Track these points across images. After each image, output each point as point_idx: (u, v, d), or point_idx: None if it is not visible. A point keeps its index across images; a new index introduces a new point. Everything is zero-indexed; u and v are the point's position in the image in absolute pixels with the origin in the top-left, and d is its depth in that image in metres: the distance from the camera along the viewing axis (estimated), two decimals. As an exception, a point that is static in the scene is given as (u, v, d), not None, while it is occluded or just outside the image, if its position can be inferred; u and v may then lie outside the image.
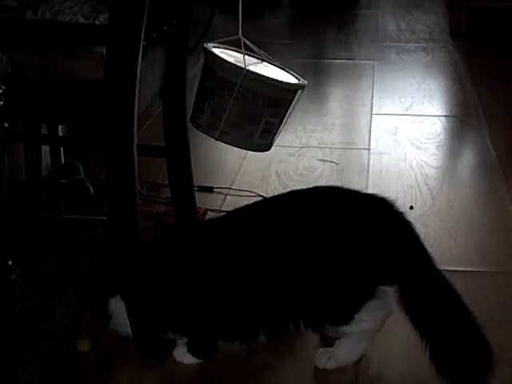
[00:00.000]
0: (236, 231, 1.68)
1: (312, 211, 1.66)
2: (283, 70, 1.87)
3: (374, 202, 1.69)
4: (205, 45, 1.81)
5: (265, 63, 1.86)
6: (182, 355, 1.74)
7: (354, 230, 1.64)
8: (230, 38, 1.84)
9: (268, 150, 1.83)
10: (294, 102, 1.79)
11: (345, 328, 1.68)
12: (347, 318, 1.67)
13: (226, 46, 1.82)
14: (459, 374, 1.60)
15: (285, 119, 1.81)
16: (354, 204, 1.68)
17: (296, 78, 1.84)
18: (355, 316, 1.66)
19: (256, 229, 1.66)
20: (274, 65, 1.88)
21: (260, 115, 1.75)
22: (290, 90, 1.77)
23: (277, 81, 1.74)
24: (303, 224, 1.64)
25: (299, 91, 1.80)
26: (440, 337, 1.61)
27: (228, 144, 1.81)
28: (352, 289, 1.65)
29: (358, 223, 1.65)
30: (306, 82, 1.82)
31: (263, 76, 1.73)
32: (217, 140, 1.79)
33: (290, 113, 1.80)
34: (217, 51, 1.77)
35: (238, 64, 1.73)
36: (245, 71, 1.72)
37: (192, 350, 1.73)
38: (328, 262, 1.62)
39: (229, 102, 1.74)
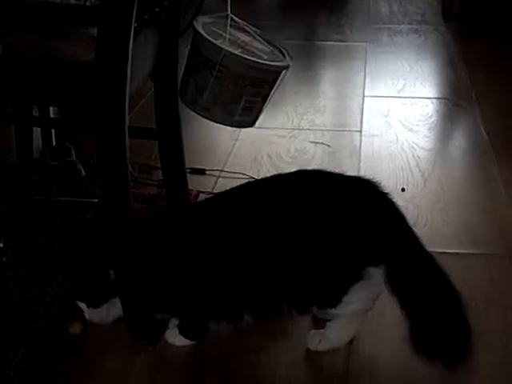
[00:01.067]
0: (224, 213, 1.67)
1: (297, 194, 1.66)
2: (274, 47, 1.88)
3: (358, 184, 1.69)
4: (194, 20, 1.81)
5: (256, 41, 1.86)
6: (174, 337, 1.75)
7: (338, 212, 1.63)
8: (219, 14, 1.84)
9: (250, 126, 1.86)
10: (277, 82, 1.80)
11: (333, 310, 1.68)
12: (335, 301, 1.67)
13: (227, 22, 1.82)
14: (435, 353, 1.61)
15: (268, 98, 1.82)
16: (338, 186, 1.67)
17: (284, 56, 1.85)
18: (343, 299, 1.66)
19: (242, 211, 1.66)
20: (266, 42, 1.89)
21: (240, 94, 1.76)
22: (270, 71, 1.78)
23: (256, 62, 1.75)
24: (289, 207, 1.64)
25: (283, 71, 1.81)
26: (421, 315, 1.61)
27: (209, 120, 1.83)
28: (338, 271, 1.65)
29: (343, 205, 1.64)
30: (289, 63, 1.82)
31: (242, 56, 1.73)
32: (199, 115, 1.81)
33: (274, 92, 1.82)
34: (208, 27, 1.78)
35: (218, 43, 1.74)
36: (224, 50, 1.72)
37: (184, 332, 1.74)
38: (313, 244, 1.62)
39: (210, 79, 1.75)
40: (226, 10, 1.82)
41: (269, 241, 1.62)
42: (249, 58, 1.74)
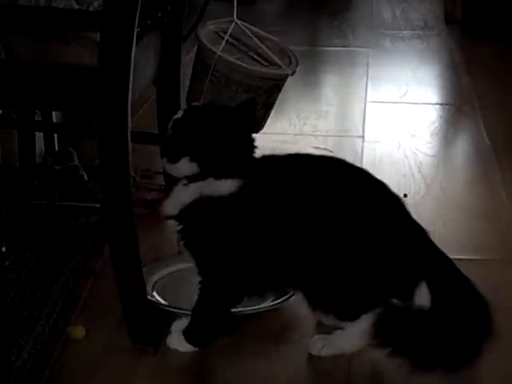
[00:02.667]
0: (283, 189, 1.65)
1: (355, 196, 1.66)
2: (284, 53, 1.85)
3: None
4: (200, 27, 1.81)
5: (264, 46, 1.84)
6: (178, 343, 1.74)
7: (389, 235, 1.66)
8: (226, 19, 1.84)
9: (255, 133, 1.83)
10: (276, 90, 1.78)
11: (348, 323, 1.68)
12: (353, 316, 1.67)
13: (229, 27, 1.81)
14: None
15: (269, 106, 1.80)
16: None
17: (290, 62, 1.83)
18: (362, 316, 1.65)
19: (301, 195, 1.64)
20: (277, 47, 1.86)
21: (234, 100, 1.75)
22: (265, 79, 1.75)
23: (249, 68, 1.72)
24: (347, 207, 1.63)
25: (284, 79, 1.79)
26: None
27: None
28: (368, 290, 1.65)
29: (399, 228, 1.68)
30: (287, 72, 1.79)
31: (235, 62, 1.72)
32: None
33: (275, 99, 1.79)
34: (213, 33, 1.77)
35: (214, 47, 1.73)
36: (217, 55, 1.71)
37: (189, 338, 1.73)
38: (358, 254, 1.63)
39: (205, 83, 1.75)
40: (232, 16, 1.81)
41: (316, 229, 1.62)
42: (241, 64, 1.72)
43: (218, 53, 1.71)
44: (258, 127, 1.84)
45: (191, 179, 1.66)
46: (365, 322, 1.64)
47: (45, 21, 1.70)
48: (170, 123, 1.68)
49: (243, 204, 1.64)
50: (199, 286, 1.72)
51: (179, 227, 1.70)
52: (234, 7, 1.81)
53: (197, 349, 1.73)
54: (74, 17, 1.70)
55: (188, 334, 1.72)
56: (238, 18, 1.83)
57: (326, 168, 1.69)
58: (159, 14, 1.83)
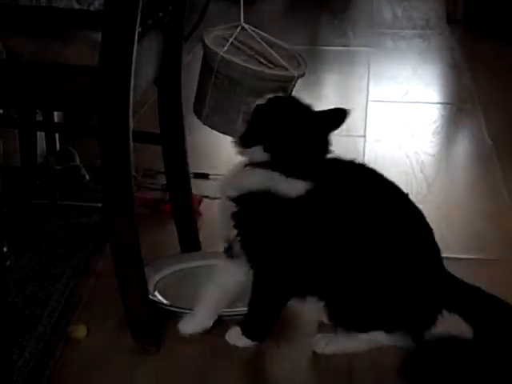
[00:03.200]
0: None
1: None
2: (292, 56, 1.83)
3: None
4: (205, 31, 1.80)
5: (272, 50, 1.82)
6: (236, 338, 1.74)
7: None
8: (232, 24, 1.83)
9: None
10: (283, 93, 1.75)
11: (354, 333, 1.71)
12: (362, 329, 1.69)
13: (235, 31, 1.80)
14: None
15: None
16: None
17: (299, 65, 1.80)
18: (370, 332, 1.69)
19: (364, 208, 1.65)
20: (285, 51, 1.85)
21: (239, 103, 1.73)
22: (269, 80, 1.73)
23: (251, 69, 1.71)
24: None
25: (291, 82, 1.77)
26: None
27: (213, 129, 1.81)
28: (387, 306, 1.67)
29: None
30: (294, 74, 1.76)
31: (237, 63, 1.70)
32: (204, 124, 1.79)
33: None
34: (219, 38, 1.76)
35: (217, 49, 1.72)
36: (219, 56, 1.70)
37: (246, 332, 1.73)
38: (387, 271, 1.65)
39: (209, 86, 1.74)
40: (237, 18, 1.80)
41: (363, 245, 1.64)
42: (244, 64, 1.71)
43: (221, 53, 1.71)
44: None
45: (259, 166, 1.64)
46: (377, 334, 1.68)
47: (46, 20, 1.70)
48: (253, 107, 1.65)
49: (307, 211, 1.63)
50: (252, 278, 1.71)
51: (234, 209, 1.68)
52: (238, 8, 1.80)
53: (255, 343, 1.73)
54: (75, 16, 1.70)
55: (245, 329, 1.73)
56: (238, 18, 1.82)
57: (380, 189, 1.69)
58: (160, 14, 1.83)
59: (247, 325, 1.74)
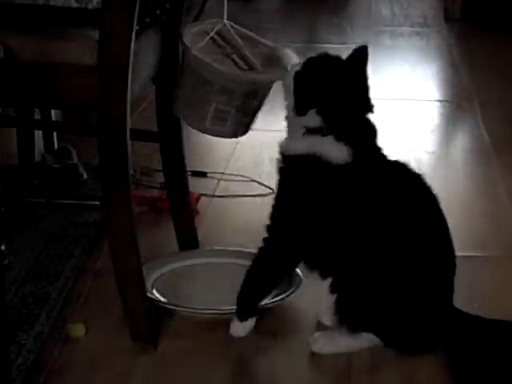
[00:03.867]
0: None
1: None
2: (274, 59, 1.81)
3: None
4: (188, 26, 1.78)
5: (255, 49, 1.80)
6: (232, 327, 1.73)
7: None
8: (217, 19, 1.81)
9: (232, 137, 1.78)
10: (259, 95, 1.73)
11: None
12: (361, 329, 1.69)
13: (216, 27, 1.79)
14: None
15: (249, 111, 1.74)
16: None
17: (284, 67, 1.76)
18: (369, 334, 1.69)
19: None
20: (270, 51, 1.83)
21: (209, 101, 1.71)
22: (240, 82, 1.69)
23: (220, 70, 1.69)
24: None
25: (266, 85, 1.73)
26: None
27: (184, 121, 1.79)
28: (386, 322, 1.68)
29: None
30: (267, 78, 1.73)
31: (207, 63, 1.68)
32: (175, 115, 1.78)
33: (258, 105, 1.74)
34: (201, 34, 1.75)
35: (191, 46, 1.70)
36: (191, 54, 1.69)
37: (238, 308, 1.72)
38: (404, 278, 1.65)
39: (184, 79, 1.73)
40: (230, 14, 1.79)
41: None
42: (213, 64, 1.68)
43: (193, 52, 1.69)
44: (237, 132, 1.80)
45: (312, 132, 1.64)
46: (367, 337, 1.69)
47: (44, 19, 1.70)
48: (291, 72, 1.66)
49: (347, 180, 1.64)
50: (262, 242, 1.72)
51: (281, 166, 1.70)
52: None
53: (243, 325, 1.72)
54: (73, 15, 1.70)
55: (237, 304, 1.71)
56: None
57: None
58: (158, 12, 1.83)
59: (240, 297, 1.71)
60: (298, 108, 1.65)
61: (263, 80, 1.71)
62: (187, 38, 1.73)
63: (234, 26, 1.80)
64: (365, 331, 1.69)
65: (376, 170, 1.68)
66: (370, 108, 1.70)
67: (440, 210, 1.71)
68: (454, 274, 1.70)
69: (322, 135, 1.64)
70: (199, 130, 1.76)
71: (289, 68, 1.68)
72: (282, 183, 1.71)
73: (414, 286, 1.66)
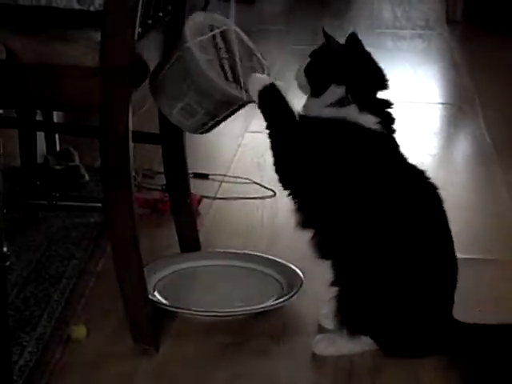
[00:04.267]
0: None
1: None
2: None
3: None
4: (198, 13, 1.77)
5: (238, 63, 1.78)
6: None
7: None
8: (225, 19, 1.80)
9: (191, 132, 1.80)
10: (226, 108, 1.73)
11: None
12: (361, 333, 1.69)
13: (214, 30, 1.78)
14: None
15: (214, 118, 1.74)
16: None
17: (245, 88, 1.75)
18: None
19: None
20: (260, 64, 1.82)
21: (184, 94, 1.71)
22: (217, 91, 1.68)
23: (204, 72, 1.68)
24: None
25: (238, 103, 1.73)
26: None
27: (154, 100, 1.78)
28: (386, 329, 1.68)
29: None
30: (243, 97, 1.72)
31: (197, 60, 1.67)
32: (149, 90, 1.76)
33: (228, 115, 1.75)
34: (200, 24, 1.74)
35: (188, 36, 1.69)
36: (185, 45, 1.67)
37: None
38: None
39: (169, 63, 1.71)
40: (238, 19, 1.78)
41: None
42: (201, 65, 1.67)
43: (186, 44, 1.67)
44: (197, 129, 1.77)
45: (338, 104, 1.66)
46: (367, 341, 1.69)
47: (46, 21, 1.70)
48: (301, 69, 1.70)
49: (381, 147, 1.68)
50: None
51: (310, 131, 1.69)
52: (237, 8, 1.77)
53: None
54: (75, 17, 1.70)
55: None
56: (239, 17, 1.80)
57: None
58: (160, 14, 1.83)
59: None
60: (317, 88, 1.68)
61: (237, 99, 1.71)
62: (189, 28, 1.71)
63: (239, 31, 1.80)
64: (364, 335, 1.70)
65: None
66: (385, 83, 1.75)
67: (445, 215, 1.72)
68: (456, 282, 1.70)
69: (346, 105, 1.66)
70: (164, 113, 1.76)
71: (250, 87, 1.69)
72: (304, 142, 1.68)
73: (413, 292, 1.66)
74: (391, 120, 1.72)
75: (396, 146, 1.73)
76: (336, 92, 1.67)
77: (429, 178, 1.74)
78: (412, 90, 3.53)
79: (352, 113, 1.66)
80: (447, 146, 3.00)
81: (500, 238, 2.24)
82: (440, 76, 3.88)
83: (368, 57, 1.72)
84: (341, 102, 1.66)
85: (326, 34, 1.70)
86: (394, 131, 1.73)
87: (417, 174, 1.74)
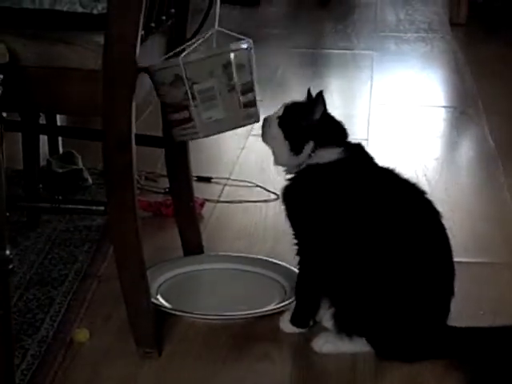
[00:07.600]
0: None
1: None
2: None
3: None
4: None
5: None
6: (285, 324, 1.79)
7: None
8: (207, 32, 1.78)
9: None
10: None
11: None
12: (357, 334, 1.70)
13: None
14: None
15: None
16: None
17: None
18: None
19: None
20: None
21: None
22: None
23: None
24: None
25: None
26: None
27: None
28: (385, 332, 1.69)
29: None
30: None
31: (198, 58, 1.64)
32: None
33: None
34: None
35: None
36: (179, 61, 1.64)
37: (292, 319, 1.77)
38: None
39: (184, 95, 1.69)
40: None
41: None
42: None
43: (181, 56, 1.64)
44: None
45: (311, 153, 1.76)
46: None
47: (49, 24, 1.70)
48: (274, 123, 1.76)
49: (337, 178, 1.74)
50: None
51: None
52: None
53: (300, 330, 1.78)
54: (78, 20, 1.70)
55: (292, 316, 1.78)
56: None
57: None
58: (163, 17, 1.83)
59: (293, 312, 1.78)
60: (295, 147, 1.75)
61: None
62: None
63: (225, 31, 1.77)
64: (360, 336, 1.70)
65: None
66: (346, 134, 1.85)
67: (440, 220, 1.75)
68: (453, 291, 1.71)
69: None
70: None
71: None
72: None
73: (408, 298, 1.67)
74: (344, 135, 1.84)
75: (366, 158, 1.85)
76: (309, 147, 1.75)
77: (411, 183, 1.81)
78: (415, 93, 3.53)
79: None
80: (450, 149, 3.00)
81: (503, 242, 2.24)
82: (443, 79, 3.88)
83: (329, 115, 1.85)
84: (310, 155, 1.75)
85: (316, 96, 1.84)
86: (356, 146, 1.84)
87: (396, 180, 1.80)
